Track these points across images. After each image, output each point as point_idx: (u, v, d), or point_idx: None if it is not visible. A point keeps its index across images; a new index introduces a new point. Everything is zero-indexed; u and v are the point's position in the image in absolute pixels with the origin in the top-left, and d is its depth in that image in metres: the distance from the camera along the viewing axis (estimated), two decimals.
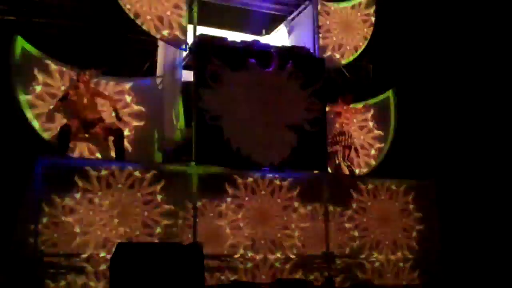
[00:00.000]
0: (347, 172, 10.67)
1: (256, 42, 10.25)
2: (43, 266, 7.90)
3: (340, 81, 11.89)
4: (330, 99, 10.92)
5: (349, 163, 10.78)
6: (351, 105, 11.18)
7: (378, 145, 11.44)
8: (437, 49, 13.13)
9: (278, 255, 9.30)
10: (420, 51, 13.08)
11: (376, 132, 11.50)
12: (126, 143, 9.62)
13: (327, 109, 10.49)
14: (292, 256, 9.37)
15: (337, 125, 10.94)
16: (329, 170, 10.49)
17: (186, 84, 9.86)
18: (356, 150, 10.93)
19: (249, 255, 9.11)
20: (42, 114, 9.27)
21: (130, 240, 8.36)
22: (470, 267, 10.77)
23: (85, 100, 9.26)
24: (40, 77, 9.33)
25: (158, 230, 8.64)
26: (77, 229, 8.19)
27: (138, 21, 9.40)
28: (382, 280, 9.84)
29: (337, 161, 10.78)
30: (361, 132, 11.40)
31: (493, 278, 10.51)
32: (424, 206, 10.49)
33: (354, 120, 11.25)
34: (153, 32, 9.52)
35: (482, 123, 12.78)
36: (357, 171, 10.99)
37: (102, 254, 8.20)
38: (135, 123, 9.96)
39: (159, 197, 8.73)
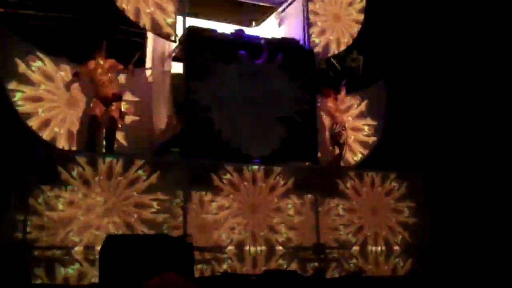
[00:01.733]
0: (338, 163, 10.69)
1: (245, 33, 10.24)
2: (31, 258, 7.88)
3: (331, 73, 11.93)
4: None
5: (341, 154, 10.79)
6: (341, 96, 11.16)
7: (368, 136, 11.46)
8: (427, 42, 13.16)
9: (268, 246, 9.31)
10: (411, 43, 13.10)
11: (366, 123, 11.51)
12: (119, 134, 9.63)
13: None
14: (282, 248, 9.38)
15: (329, 117, 10.94)
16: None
17: (176, 76, 9.85)
18: (345, 144, 10.93)
19: (239, 246, 9.12)
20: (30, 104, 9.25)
21: (120, 231, 8.35)
22: (459, 257, 10.82)
23: (103, 77, 9.28)
24: (28, 68, 9.29)
25: (148, 221, 8.62)
26: (66, 221, 8.16)
27: (127, 13, 9.36)
28: (372, 271, 9.88)
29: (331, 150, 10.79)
30: (351, 123, 11.40)
31: (482, 268, 10.57)
32: (414, 197, 10.54)
33: (344, 115, 11.22)
34: (142, 24, 9.48)
35: (471, 115, 12.82)
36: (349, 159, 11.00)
37: (92, 246, 8.19)
38: (125, 115, 9.93)
39: (149, 189, 8.72)
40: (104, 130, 9.39)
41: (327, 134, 10.89)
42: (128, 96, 9.92)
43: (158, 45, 10.17)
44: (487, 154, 12.44)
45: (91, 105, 9.33)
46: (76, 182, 8.31)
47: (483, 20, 12.72)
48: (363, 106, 11.57)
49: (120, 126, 9.54)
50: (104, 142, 9.38)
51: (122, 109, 9.55)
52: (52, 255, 7.99)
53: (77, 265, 8.09)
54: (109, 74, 9.36)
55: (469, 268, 10.11)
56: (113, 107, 9.30)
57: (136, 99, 10.01)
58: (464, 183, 12.15)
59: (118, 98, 9.40)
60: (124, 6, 9.31)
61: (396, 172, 10.60)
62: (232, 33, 10.06)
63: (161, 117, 9.93)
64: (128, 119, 9.83)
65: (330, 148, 10.83)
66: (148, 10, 9.47)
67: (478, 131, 12.60)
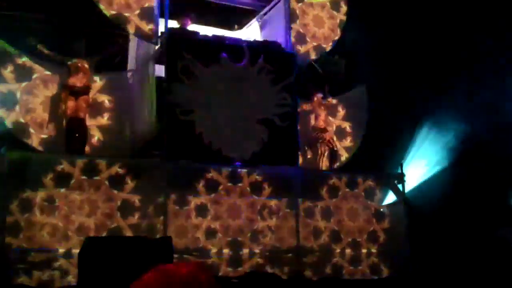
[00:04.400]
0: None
1: (227, 36, 10.27)
2: (12, 261, 7.84)
3: (313, 77, 11.95)
4: (305, 95, 11.02)
5: (328, 161, 10.85)
6: (325, 101, 11.23)
7: (349, 140, 11.54)
8: (409, 46, 13.24)
9: (248, 249, 9.34)
10: (393, 47, 13.18)
11: (347, 126, 11.59)
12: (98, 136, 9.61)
13: (305, 107, 10.63)
14: (261, 251, 9.41)
15: (315, 122, 10.99)
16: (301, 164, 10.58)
17: (158, 78, 9.84)
18: (335, 151, 10.99)
19: (219, 249, 9.13)
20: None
21: (99, 234, 8.33)
22: (438, 260, 10.92)
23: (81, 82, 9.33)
24: (4, 68, 9.25)
25: (128, 224, 8.61)
26: (45, 224, 8.14)
27: (109, 14, 9.35)
28: (351, 274, 9.94)
29: (318, 157, 10.84)
30: (333, 126, 11.46)
31: (461, 269, 10.67)
32: (393, 200, 10.63)
33: (330, 118, 11.27)
34: (124, 25, 9.47)
35: (454, 118, 12.91)
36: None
37: (71, 249, 8.16)
38: (106, 117, 9.91)
39: (130, 192, 8.71)
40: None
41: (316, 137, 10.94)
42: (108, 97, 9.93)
43: (140, 48, 10.16)
44: (470, 155, 12.53)
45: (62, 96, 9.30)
46: (55, 184, 8.28)
47: (469, 25, 12.82)
48: (344, 110, 11.63)
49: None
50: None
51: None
52: (32, 258, 7.96)
53: (56, 268, 8.06)
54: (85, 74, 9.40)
55: (447, 273, 10.22)
56: (81, 100, 9.28)
57: (117, 100, 10.00)
58: (445, 188, 12.24)
59: (87, 90, 9.38)
60: (106, 8, 9.30)
61: (375, 175, 10.69)
62: (214, 35, 10.08)
63: (142, 119, 9.92)
64: (107, 120, 9.83)
65: (319, 152, 10.84)
66: (130, 13, 9.46)
67: (464, 135, 12.69)
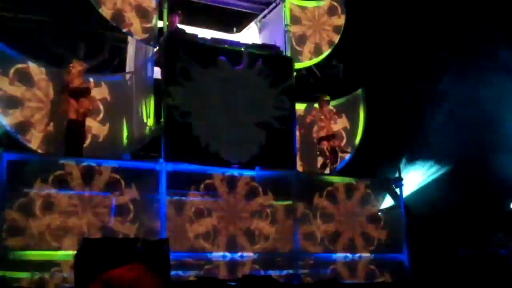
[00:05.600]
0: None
1: (226, 39, 10.28)
2: (9, 262, 7.83)
3: (311, 80, 11.98)
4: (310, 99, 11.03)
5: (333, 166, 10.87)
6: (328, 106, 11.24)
7: (346, 144, 11.55)
8: (408, 49, 13.28)
9: (246, 252, 9.33)
10: (390, 50, 13.21)
11: (345, 130, 11.60)
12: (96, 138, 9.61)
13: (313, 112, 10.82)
14: (260, 254, 9.40)
15: (321, 127, 11.01)
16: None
17: (156, 80, 9.85)
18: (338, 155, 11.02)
19: (216, 252, 9.12)
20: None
21: (97, 235, 8.31)
22: (436, 265, 10.93)
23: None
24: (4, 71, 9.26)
25: (125, 226, 8.60)
26: (43, 225, 8.12)
27: (108, 17, 9.36)
28: (348, 278, 9.94)
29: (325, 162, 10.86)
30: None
31: (459, 272, 10.69)
32: (391, 204, 10.64)
33: (332, 122, 11.27)
34: (123, 28, 9.48)
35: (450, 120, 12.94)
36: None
37: (68, 250, 8.14)
38: (104, 118, 9.90)
39: (127, 193, 8.70)
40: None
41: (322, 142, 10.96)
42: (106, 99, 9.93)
43: (139, 50, 10.18)
44: (466, 161, 12.56)
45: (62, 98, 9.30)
46: (53, 185, 8.28)
47: (466, 28, 12.86)
48: (342, 114, 11.64)
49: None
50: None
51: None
52: (29, 258, 7.95)
53: (54, 269, 8.05)
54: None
55: (445, 277, 10.23)
56: (81, 102, 9.27)
57: (115, 102, 10.00)
58: (443, 191, 12.27)
59: (87, 92, 9.37)
60: (105, 10, 9.31)
61: (373, 179, 10.69)
62: (213, 38, 10.10)
63: (140, 122, 9.92)
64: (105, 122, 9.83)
65: (326, 155, 10.85)
66: (129, 15, 9.47)
67: (459, 137, 12.72)
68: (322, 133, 10.96)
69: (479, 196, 12.12)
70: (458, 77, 12.62)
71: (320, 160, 11.03)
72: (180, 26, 10.16)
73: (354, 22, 11.70)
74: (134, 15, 9.50)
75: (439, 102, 12.76)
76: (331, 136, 10.93)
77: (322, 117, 11.02)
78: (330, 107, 11.20)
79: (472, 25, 12.66)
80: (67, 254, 8.03)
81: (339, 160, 11.07)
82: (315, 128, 11.18)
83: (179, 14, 10.07)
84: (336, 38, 11.34)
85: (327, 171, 10.82)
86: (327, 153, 10.81)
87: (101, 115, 9.91)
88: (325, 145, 10.83)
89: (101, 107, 9.92)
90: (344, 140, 11.53)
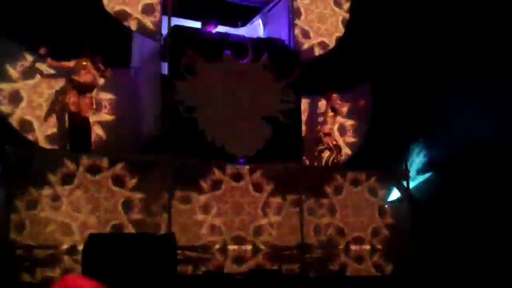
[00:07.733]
0: None
1: (231, 33, 10.27)
2: (16, 259, 7.86)
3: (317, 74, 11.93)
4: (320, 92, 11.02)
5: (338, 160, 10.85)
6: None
7: (352, 137, 11.52)
8: (413, 44, 13.20)
9: (252, 246, 9.34)
10: (397, 45, 13.14)
11: (351, 124, 11.57)
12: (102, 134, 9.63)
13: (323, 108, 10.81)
14: (266, 247, 9.41)
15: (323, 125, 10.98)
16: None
17: (162, 75, 9.84)
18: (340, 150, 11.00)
19: (222, 246, 9.14)
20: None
21: (103, 230, 8.34)
22: (443, 257, 10.90)
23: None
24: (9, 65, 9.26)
25: (132, 220, 8.62)
26: (49, 221, 8.15)
27: (113, 11, 9.35)
28: (355, 271, 9.94)
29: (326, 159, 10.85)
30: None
31: (465, 266, 10.65)
32: (397, 197, 10.62)
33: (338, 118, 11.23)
34: (128, 22, 9.48)
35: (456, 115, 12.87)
36: None
37: (75, 246, 8.17)
38: (110, 113, 9.91)
39: (134, 189, 8.72)
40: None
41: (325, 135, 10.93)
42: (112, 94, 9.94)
43: (144, 45, 10.17)
44: (474, 155, 12.49)
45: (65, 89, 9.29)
46: (60, 181, 8.30)
47: (472, 23, 12.77)
48: (348, 108, 11.60)
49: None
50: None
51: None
52: (36, 254, 7.97)
53: (61, 265, 8.08)
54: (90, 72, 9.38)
55: (454, 266, 10.19)
56: (85, 97, 9.25)
57: (121, 97, 10.01)
58: (449, 185, 12.21)
59: (91, 87, 9.36)
60: (109, 5, 9.31)
61: (380, 172, 10.68)
62: (218, 32, 10.09)
63: (146, 116, 9.92)
64: (111, 117, 9.84)
65: (327, 149, 10.83)
66: (133, 10, 9.46)
67: (466, 132, 12.64)
68: (327, 129, 10.92)
69: (488, 186, 12.06)
70: (469, 70, 12.53)
71: (324, 155, 10.98)
72: (183, 20, 10.16)
73: (360, 14, 11.63)
74: (138, 9, 9.49)
75: (449, 95, 12.68)
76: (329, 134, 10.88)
77: (328, 112, 10.98)
78: (338, 101, 11.15)
79: (485, 17, 12.57)
80: (74, 249, 8.06)
81: (343, 155, 11.02)
82: (320, 123, 11.13)
83: (215, 23, 10.07)
84: (342, 31, 11.29)
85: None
86: (332, 148, 10.78)
87: (107, 110, 9.90)
88: (329, 140, 10.80)
89: (106, 102, 9.90)
90: (353, 133, 11.51)
